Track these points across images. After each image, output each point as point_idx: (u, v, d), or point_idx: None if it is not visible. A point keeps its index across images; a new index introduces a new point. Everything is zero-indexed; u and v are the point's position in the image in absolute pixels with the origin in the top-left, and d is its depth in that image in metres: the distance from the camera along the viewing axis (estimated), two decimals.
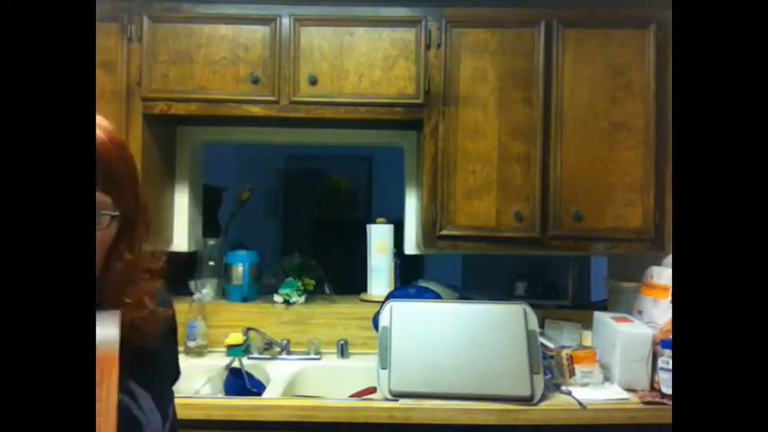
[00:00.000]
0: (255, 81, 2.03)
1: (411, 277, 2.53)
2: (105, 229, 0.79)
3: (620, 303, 2.27)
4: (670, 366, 1.83)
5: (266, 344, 2.22)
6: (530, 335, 1.84)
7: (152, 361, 0.92)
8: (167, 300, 0.97)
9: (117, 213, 0.80)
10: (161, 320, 0.90)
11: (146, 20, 2.03)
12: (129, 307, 0.83)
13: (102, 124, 0.80)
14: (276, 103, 2.04)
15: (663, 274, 2.03)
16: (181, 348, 1.83)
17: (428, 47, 2.05)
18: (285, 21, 2.04)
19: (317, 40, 2.05)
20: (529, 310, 1.89)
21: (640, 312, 2.08)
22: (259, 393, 1.94)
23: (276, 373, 2.04)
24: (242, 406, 1.74)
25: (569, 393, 1.84)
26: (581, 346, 2.08)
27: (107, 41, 2.03)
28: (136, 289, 0.85)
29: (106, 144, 0.79)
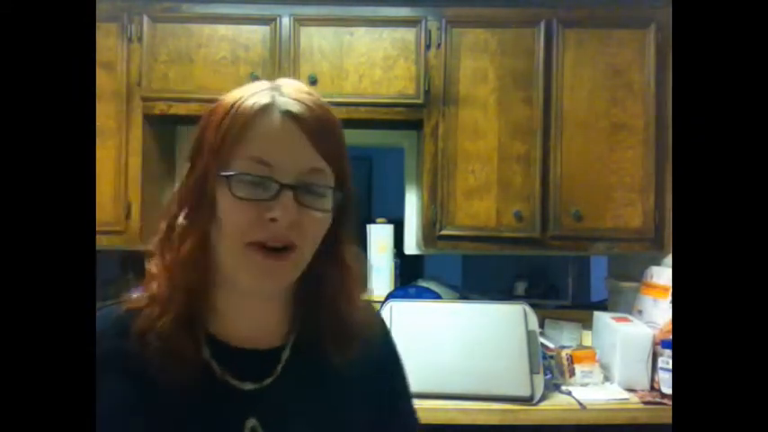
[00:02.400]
0: (255, 81, 2.03)
1: (411, 277, 2.53)
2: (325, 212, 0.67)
3: (620, 303, 2.27)
4: (670, 366, 1.83)
5: None
6: (530, 335, 1.84)
7: (372, 403, 0.74)
8: (379, 319, 0.82)
9: (350, 195, 0.69)
10: (375, 343, 0.76)
11: (146, 20, 2.03)
12: (341, 318, 0.71)
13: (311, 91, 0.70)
14: None
15: (663, 274, 2.03)
16: None
17: (428, 47, 2.05)
18: (285, 21, 2.04)
19: (317, 40, 2.05)
20: (529, 310, 1.89)
21: (640, 312, 2.08)
22: None
23: None
24: None
25: (569, 393, 1.84)
26: (581, 346, 2.08)
27: (107, 41, 2.03)
28: (348, 294, 0.72)
29: (327, 109, 0.70)
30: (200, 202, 0.66)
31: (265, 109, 0.66)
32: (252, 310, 0.70)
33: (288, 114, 0.66)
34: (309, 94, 0.70)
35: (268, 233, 0.64)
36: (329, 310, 0.71)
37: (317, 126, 0.67)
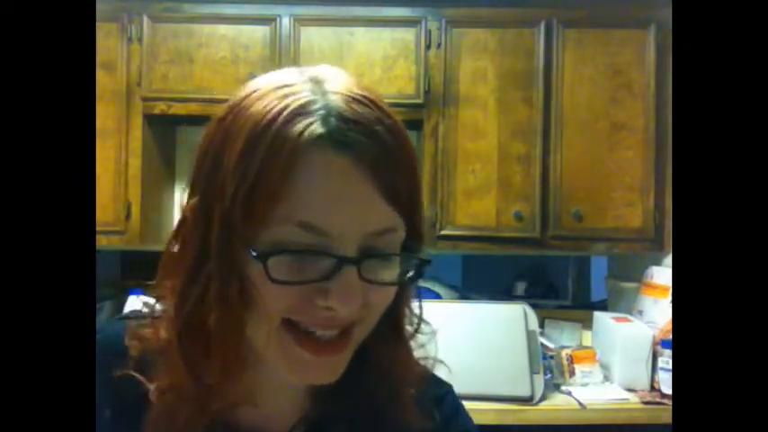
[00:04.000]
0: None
1: None
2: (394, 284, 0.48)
3: (620, 303, 2.27)
4: (670, 366, 1.83)
5: None
6: (530, 335, 1.84)
7: None
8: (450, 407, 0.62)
9: (428, 260, 0.48)
10: None
11: (146, 20, 2.03)
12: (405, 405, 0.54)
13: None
14: None
15: (663, 274, 2.03)
16: None
17: (428, 47, 2.05)
18: (285, 21, 2.04)
19: (317, 40, 2.05)
20: (529, 310, 1.89)
21: (640, 312, 2.08)
22: None
23: None
24: None
25: (569, 393, 1.84)
26: (581, 346, 2.08)
27: (107, 41, 2.03)
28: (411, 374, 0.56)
29: (398, 128, 0.45)
30: (225, 271, 0.45)
31: (318, 141, 0.43)
32: (273, 390, 0.53)
33: (349, 150, 0.43)
34: (370, 102, 0.45)
35: (320, 320, 0.45)
36: (369, 385, 0.53)
37: (390, 164, 0.44)
